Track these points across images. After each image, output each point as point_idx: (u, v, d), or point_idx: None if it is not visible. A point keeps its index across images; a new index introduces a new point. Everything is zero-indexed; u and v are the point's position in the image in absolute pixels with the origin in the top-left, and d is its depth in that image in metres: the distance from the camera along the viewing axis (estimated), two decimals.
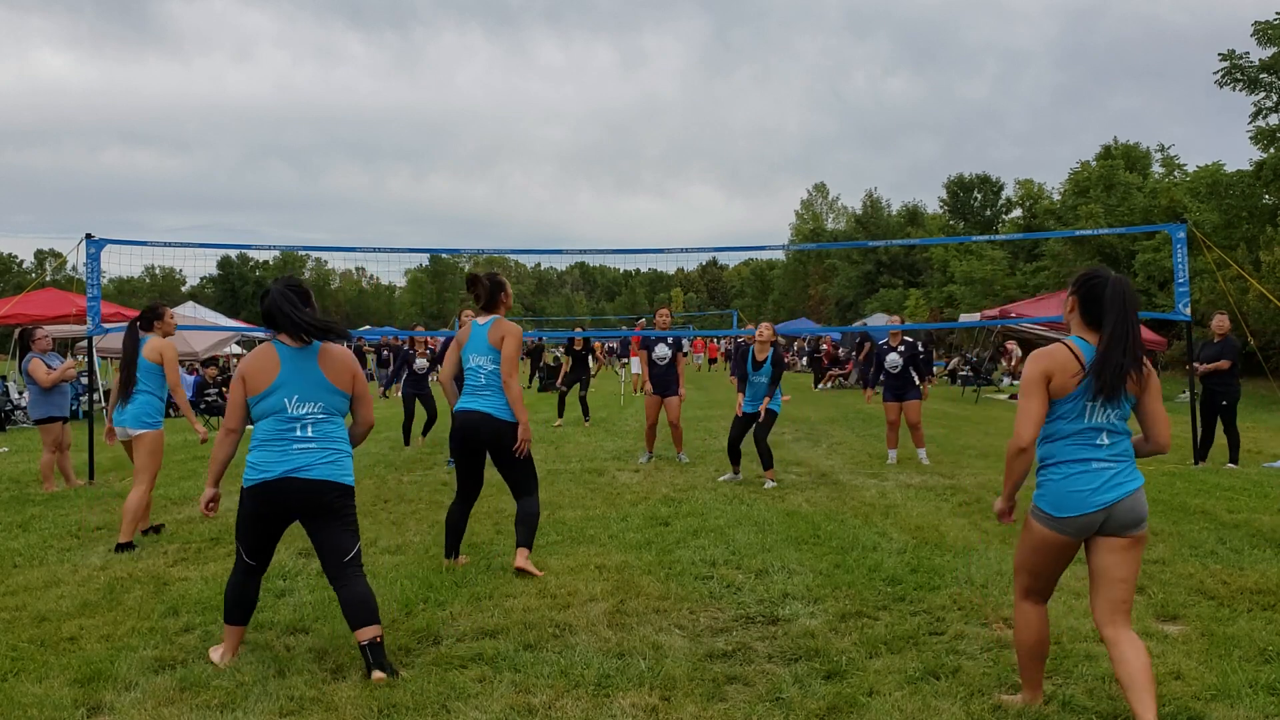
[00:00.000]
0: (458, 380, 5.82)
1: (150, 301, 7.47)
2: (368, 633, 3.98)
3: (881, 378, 10.76)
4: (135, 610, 4.94)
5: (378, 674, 3.89)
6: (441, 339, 12.03)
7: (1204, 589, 5.08)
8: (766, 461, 8.98)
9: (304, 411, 4.12)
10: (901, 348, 10.59)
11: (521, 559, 5.50)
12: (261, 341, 4.47)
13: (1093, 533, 3.41)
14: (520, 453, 5.52)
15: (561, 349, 19.34)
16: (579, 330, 29.64)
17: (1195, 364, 10.38)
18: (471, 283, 5.67)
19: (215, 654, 4.20)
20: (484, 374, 5.55)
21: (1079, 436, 3.38)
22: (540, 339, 30.01)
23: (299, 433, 4.10)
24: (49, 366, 9.33)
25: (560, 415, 15.30)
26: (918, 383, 10.51)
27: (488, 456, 5.65)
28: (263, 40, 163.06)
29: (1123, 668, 3.26)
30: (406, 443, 12.36)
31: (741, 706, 3.63)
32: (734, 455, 9.27)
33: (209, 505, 4.31)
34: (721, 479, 9.16)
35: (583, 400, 15.34)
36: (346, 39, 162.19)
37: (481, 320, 5.68)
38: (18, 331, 17.76)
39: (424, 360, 12.04)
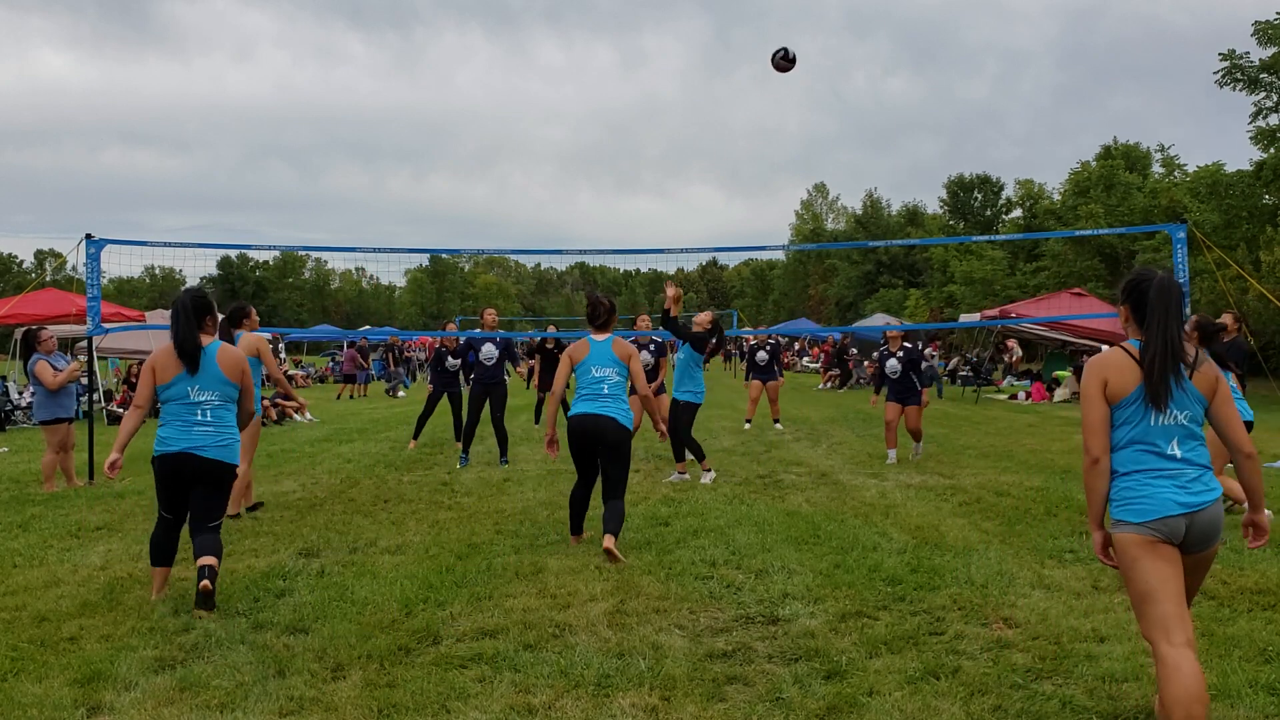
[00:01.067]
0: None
1: (236, 302, 8.02)
2: (206, 560, 4.91)
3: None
4: (135, 610, 4.94)
5: (203, 584, 4.80)
6: (463, 338, 12.14)
7: (1204, 589, 5.07)
8: (677, 453, 9.37)
9: (203, 399, 5.14)
10: (901, 353, 10.59)
11: (611, 544, 5.87)
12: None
13: (1178, 543, 3.16)
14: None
15: (524, 349, 19.26)
16: (551, 330, 29.57)
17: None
18: (595, 304, 6.58)
19: (156, 593, 5.11)
20: (609, 384, 6.34)
21: (1146, 442, 3.22)
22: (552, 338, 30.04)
23: (199, 416, 5.14)
24: (55, 368, 9.34)
25: (537, 421, 15.39)
26: (918, 388, 10.51)
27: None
28: (263, 40, 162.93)
29: (1168, 688, 3.02)
30: (416, 436, 12.35)
31: (741, 706, 3.63)
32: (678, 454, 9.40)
33: (112, 468, 5.18)
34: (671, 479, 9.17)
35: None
36: (347, 39, 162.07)
37: (599, 337, 6.49)
38: (20, 332, 17.78)
39: (455, 360, 12.11)
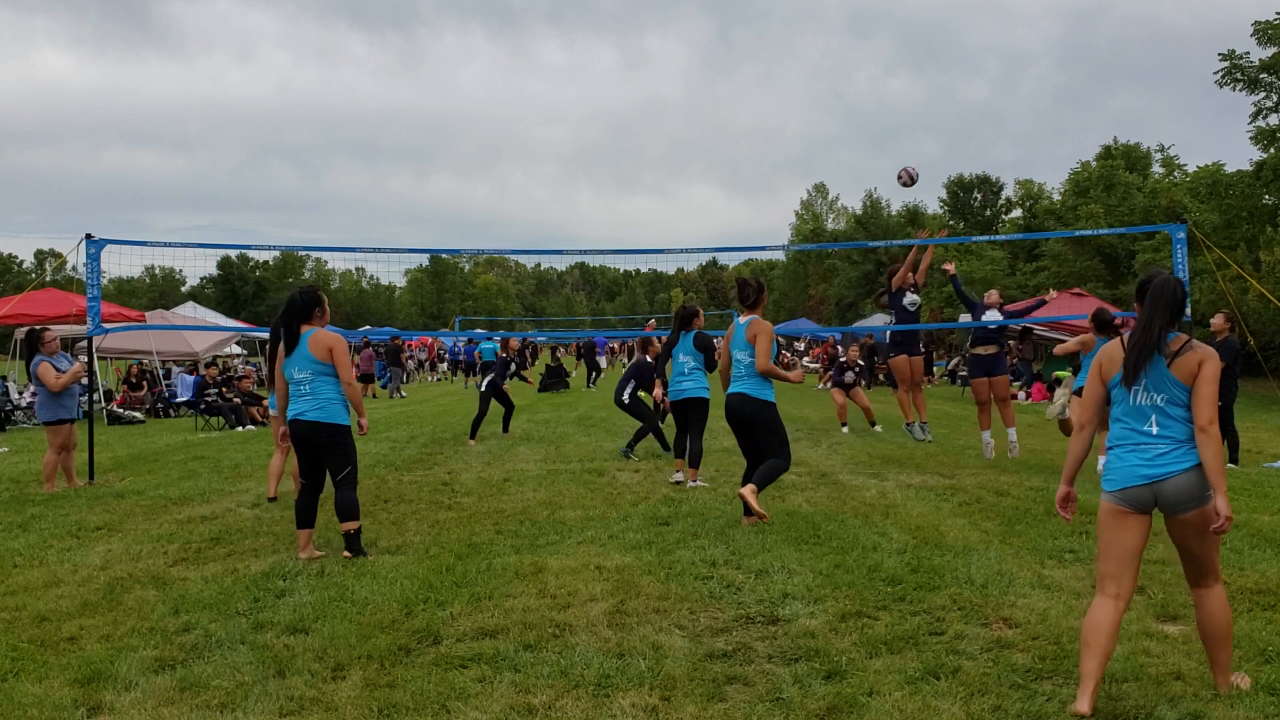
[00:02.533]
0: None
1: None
2: (349, 525, 6.06)
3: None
4: (135, 610, 4.94)
5: (345, 554, 5.99)
6: (519, 339, 13.00)
7: None
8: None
9: (299, 376, 6.12)
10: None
11: (748, 492, 6.41)
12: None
13: (1152, 509, 3.64)
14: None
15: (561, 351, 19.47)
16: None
17: None
18: (743, 285, 7.06)
19: (301, 552, 6.08)
20: (743, 365, 6.87)
21: (1127, 418, 3.74)
22: (592, 339, 30.19)
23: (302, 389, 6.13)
24: (58, 370, 9.35)
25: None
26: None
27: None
28: (265, 41, 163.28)
29: (1203, 623, 3.69)
30: (472, 437, 12.78)
31: (741, 706, 3.63)
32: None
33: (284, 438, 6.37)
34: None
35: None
36: (348, 39, 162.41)
37: (743, 319, 6.96)
38: (22, 332, 17.78)
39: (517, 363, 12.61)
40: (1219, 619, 3.63)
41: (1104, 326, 8.52)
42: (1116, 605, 3.59)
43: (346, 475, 6.09)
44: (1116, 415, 3.77)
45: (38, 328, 9.97)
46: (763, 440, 6.76)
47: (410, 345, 36.28)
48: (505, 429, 13.82)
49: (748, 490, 6.42)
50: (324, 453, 6.12)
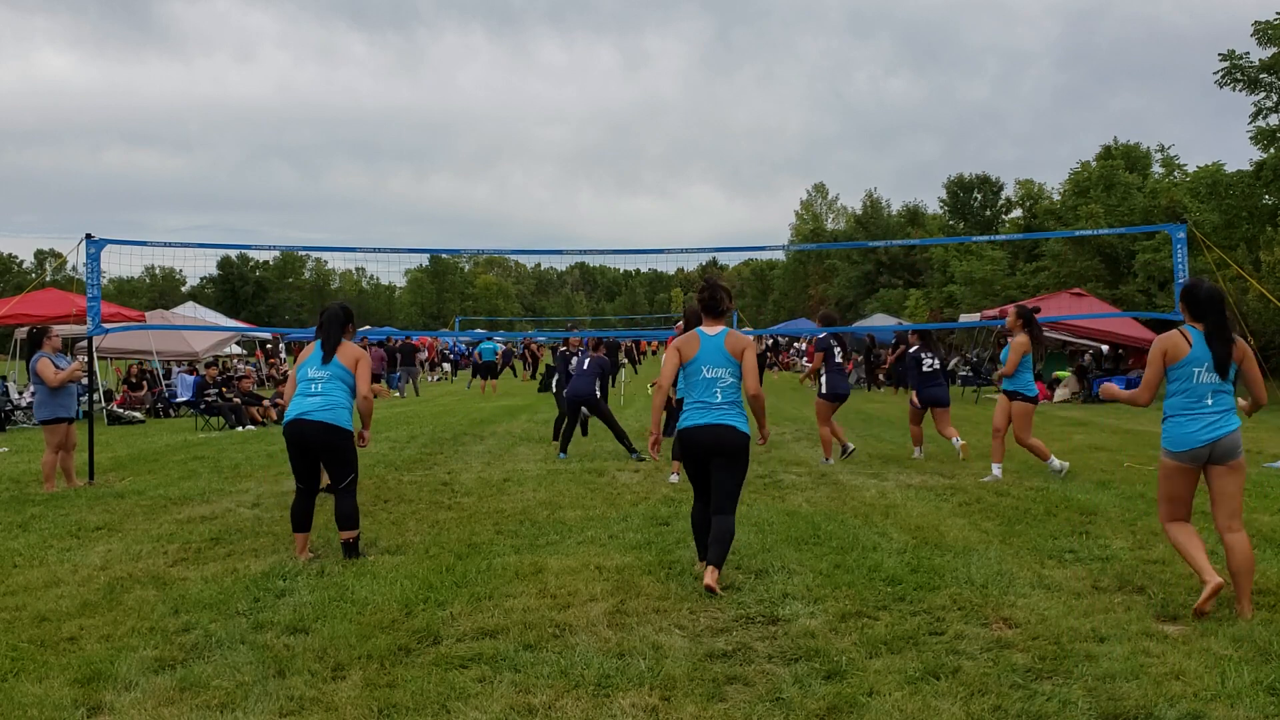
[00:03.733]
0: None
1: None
2: (348, 534, 6.06)
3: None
4: (135, 610, 4.94)
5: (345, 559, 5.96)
6: (585, 339, 12.85)
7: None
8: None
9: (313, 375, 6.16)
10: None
11: (710, 577, 5.11)
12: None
13: (1204, 462, 4.73)
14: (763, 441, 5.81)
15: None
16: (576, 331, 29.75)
17: None
18: (717, 290, 5.62)
19: (300, 554, 6.05)
20: (722, 387, 5.45)
21: (1190, 394, 4.77)
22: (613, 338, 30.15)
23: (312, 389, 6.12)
24: (57, 367, 9.34)
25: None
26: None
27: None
28: (265, 41, 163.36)
29: (1231, 560, 4.68)
30: (556, 436, 12.35)
31: (741, 706, 3.63)
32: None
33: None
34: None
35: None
36: (349, 40, 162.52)
37: (711, 330, 5.55)
38: (24, 331, 17.76)
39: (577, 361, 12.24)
40: (1247, 555, 4.66)
41: (1030, 322, 9.16)
42: (1189, 524, 4.84)
43: (349, 483, 6.08)
44: (1178, 390, 4.80)
45: (39, 326, 9.96)
46: (733, 481, 5.42)
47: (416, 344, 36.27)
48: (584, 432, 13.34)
49: (711, 577, 5.12)
50: (326, 457, 6.07)
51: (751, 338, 5.76)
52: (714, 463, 5.40)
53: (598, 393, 11.32)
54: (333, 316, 6.34)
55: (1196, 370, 4.74)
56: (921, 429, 10.95)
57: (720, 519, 5.29)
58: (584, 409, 11.39)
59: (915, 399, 10.86)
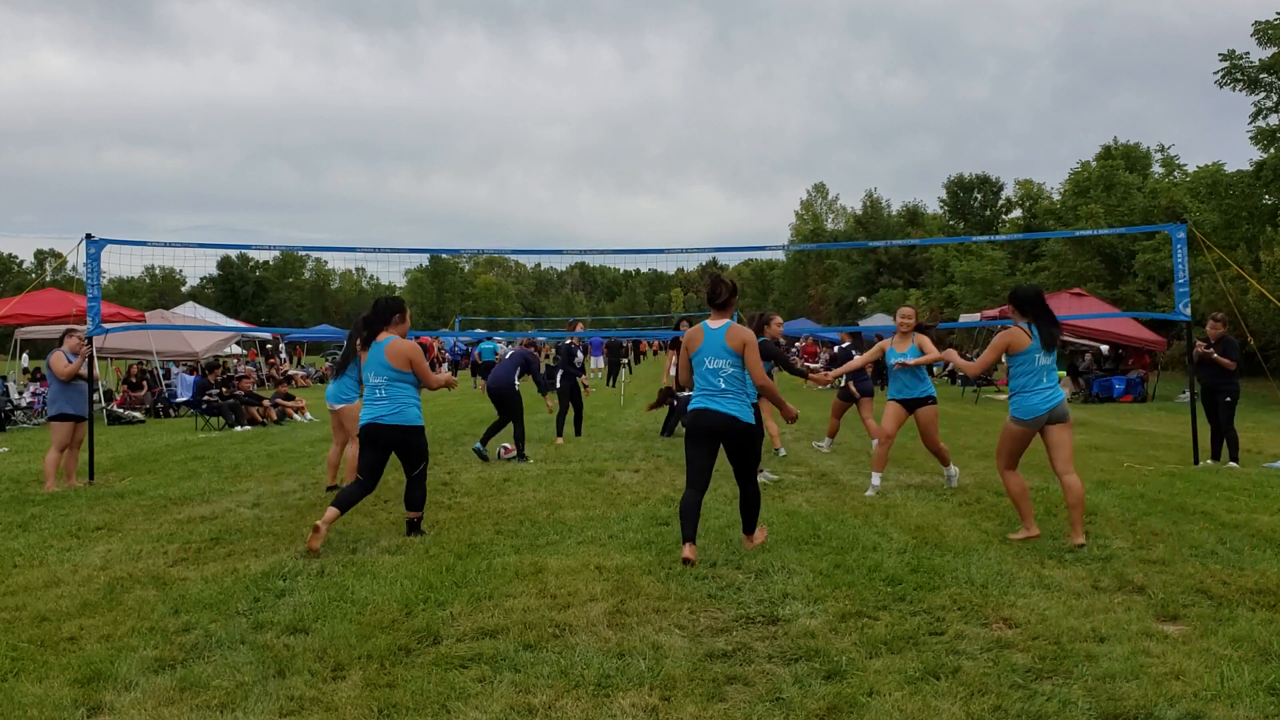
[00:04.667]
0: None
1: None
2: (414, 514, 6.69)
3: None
4: (135, 610, 4.94)
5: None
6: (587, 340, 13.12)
7: (1204, 589, 5.08)
8: None
9: (374, 380, 6.60)
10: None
11: (748, 544, 6.10)
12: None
13: (1044, 424, 6.21)
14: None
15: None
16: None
17: (1199, 351, 10.13)
18: (717, 282, 6.00)
19: (319, 527, 6.16)
20: (724, 378, 5.85)
21: (1033, 375, 6.20)
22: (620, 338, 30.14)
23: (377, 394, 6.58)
24: (69, 361, 9.45)
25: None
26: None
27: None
28: (265, 41, 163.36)
29: (1068, 496, 6.19)
30: (559, 433, 12.79)
31: (741, 706, 3.63)
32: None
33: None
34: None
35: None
36: (349, 40, 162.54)
37: (715, 324, 5.95)
38: (33, 329, 17.76)
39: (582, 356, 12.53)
40: (1079, 492, 6.16)
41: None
42: (1019, 473, 6.43)
43: (421, 471, 6.68)
44: (1020, 374, 6.21)
45: (69, 327, 10.13)
46: (744, 460, 5.99)
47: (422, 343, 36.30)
48: (578, 431, 13.40)
49: (748, 543, 6.09)
50: (401, 452, 6.60)
51: (750, 331, 6.01)
52: (725, 448, 5.97)
53: (516, 384, 11.20)
54: (374, 311, 6.84)
55: (1036, 355, 6.15)
56: (840, 422, 11.77)
57: (745, 490, 6.13)
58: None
59: (854, 388, 11.41)
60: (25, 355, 21.16)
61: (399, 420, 6.50)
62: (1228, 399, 9.96)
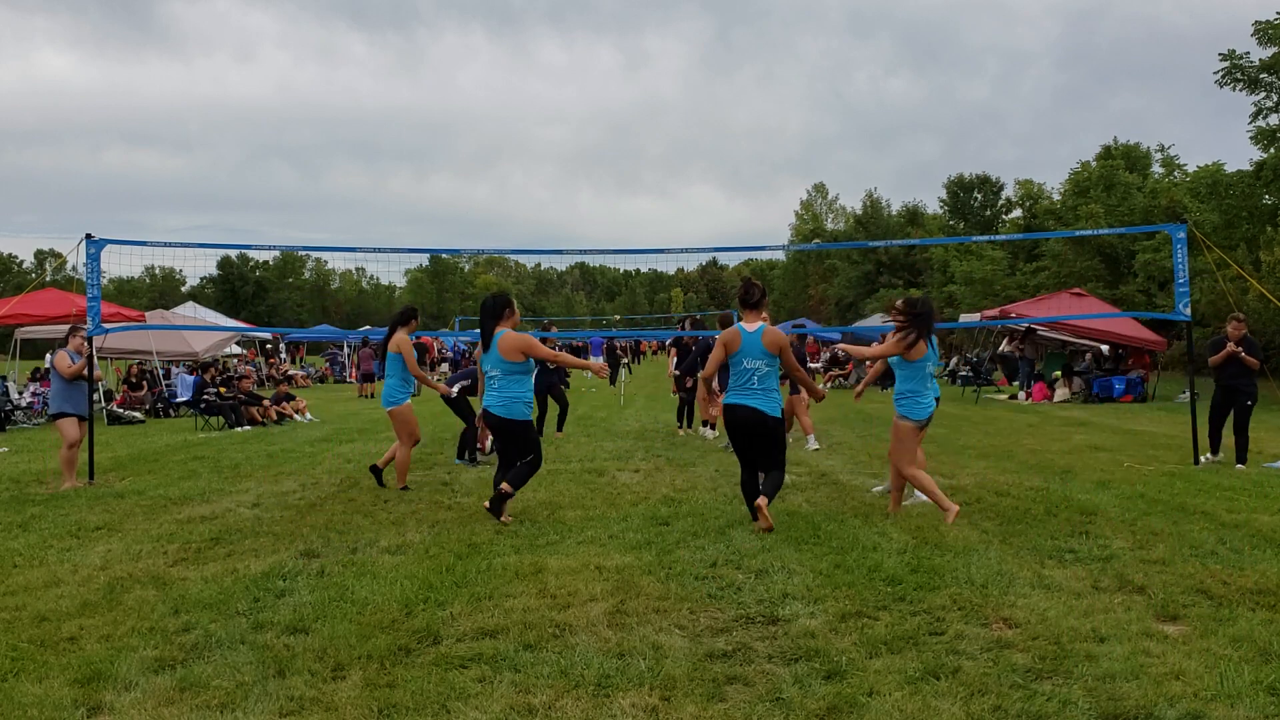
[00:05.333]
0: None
1: (405, 304, 9.39)
2: (507, 488, 7.00)
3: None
4: (135, 610, 4.94)
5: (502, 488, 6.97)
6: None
7: (1204, 589, 5.08)
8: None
9: (492, 373, 7.09)
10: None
11: (764, 502, 6.55)
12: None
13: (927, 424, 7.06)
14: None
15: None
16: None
17: (1229, 349, 9.89)
18: (749, 286, 6.83)
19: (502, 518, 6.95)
20: (760, 376, 6.65)
21: (923, 380, 6.99)
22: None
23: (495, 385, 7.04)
24: (73, 361, 9.47)
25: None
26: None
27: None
28: (265, 41, 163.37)
29: (894, 480, 7.17)
30: (560, 428, 13.30)
31: (741, 706, 3.63)
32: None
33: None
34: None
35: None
36: (349, 40, 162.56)
37: (750, 327, 6.68)
38: (32, 329, 17.76)
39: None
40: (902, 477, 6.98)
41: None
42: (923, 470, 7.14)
43: (529, 460, 7.18)
44: (911, 378, 6.96)
45: (72, 325, 10.11)
46: (773, 454, 6.73)
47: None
48: (559, 428, 13.55)
49: (763, 500, 6.56)
50: (508, 441, 7.20)
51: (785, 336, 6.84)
52: (754, 439, 6.67)
53: (455, 392, 11.30)
54: (484, 308, 7.25)
55: (929, 365, 6.97)
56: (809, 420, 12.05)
57: (771, 475, 6.74)
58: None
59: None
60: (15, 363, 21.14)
61: (505, 414, 7.03)
62: (1248, 401, 9.85)
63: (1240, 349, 9.86)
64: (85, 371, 9.60)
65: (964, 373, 26.11)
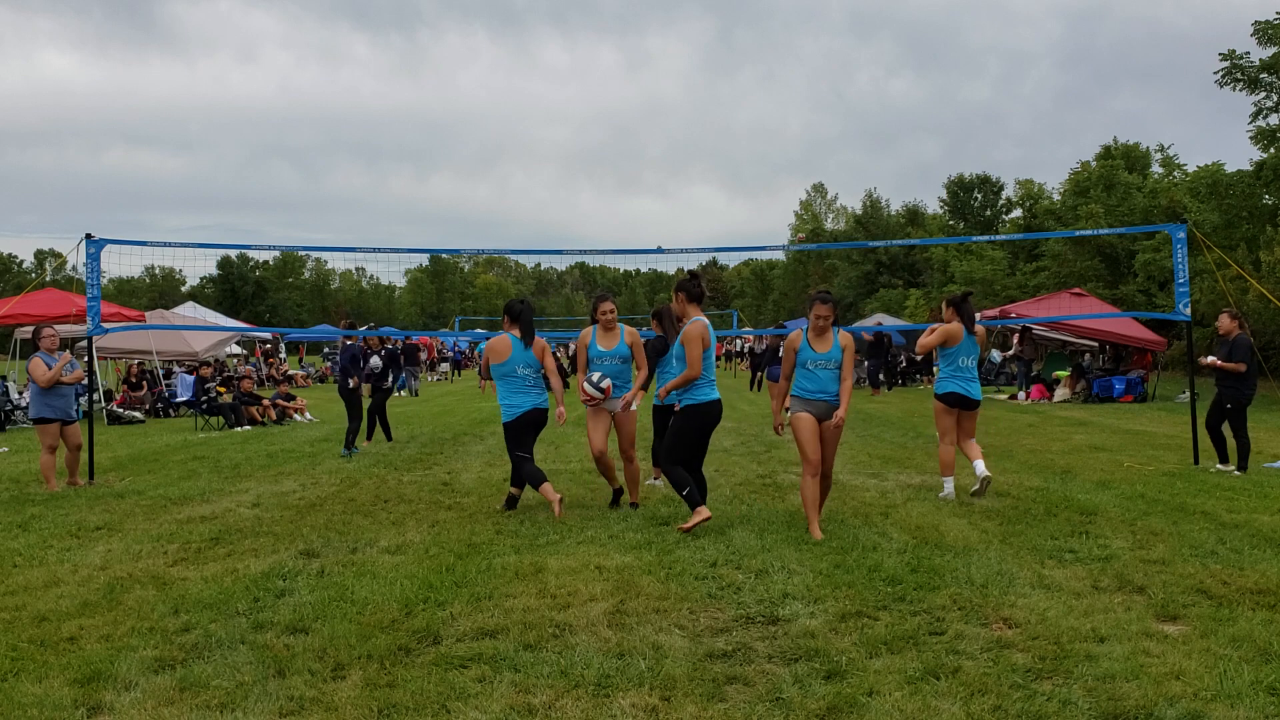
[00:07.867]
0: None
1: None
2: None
3: None
4: (135, 610, 4.94)
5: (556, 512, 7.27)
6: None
7: (1204, 589, 5.08)
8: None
9: (526, 373, 7.54)
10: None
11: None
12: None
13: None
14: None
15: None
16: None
17: (1205, 359, 9.89)
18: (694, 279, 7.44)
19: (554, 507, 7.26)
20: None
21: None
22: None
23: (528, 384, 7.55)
24: (48, 365, 9.35)
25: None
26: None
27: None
28: (267, 41, 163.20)
29: (821, 487, 6.84)
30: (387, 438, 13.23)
31: (741, 706, 3.63)
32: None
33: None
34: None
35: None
36: (351, 40, 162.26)
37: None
38: (24, 331, 17.75)
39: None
40: (826, 487, 6.92)
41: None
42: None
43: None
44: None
45: (36, 326, 10.01)
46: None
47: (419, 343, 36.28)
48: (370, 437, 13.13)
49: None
50: (539, 431, 7.70)
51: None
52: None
53: (349, 383, 11.90)
54: (528, 311, 7.69)
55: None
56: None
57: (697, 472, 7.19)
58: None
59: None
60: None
61: (548, 405, 7.68)
62: (1228, 405, 9.56)
63: (1214, 359, 9.71)
64: (67, 376, 9.40)
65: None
